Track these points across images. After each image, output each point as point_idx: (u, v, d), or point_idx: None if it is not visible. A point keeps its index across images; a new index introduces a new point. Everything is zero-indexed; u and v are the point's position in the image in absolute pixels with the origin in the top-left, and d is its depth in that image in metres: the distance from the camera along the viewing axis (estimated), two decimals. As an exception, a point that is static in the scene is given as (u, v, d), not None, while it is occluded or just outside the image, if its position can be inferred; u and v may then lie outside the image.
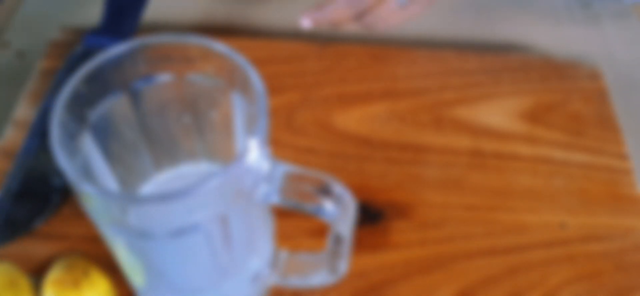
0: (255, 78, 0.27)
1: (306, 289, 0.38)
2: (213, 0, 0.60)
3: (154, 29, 0.56)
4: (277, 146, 0.46)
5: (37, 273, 0.37)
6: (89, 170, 0.29)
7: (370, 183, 0.44)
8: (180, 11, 0.59)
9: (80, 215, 0.32)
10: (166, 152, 0.35)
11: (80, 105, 0.27)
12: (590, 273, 0.40)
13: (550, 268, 0.40)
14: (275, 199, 0.27)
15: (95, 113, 0.29)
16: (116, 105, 0.30)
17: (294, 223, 0.41)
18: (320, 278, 0.34)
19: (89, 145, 0.29)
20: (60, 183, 0.42)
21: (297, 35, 0.58)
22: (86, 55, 0.50)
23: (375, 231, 0.41)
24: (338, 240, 0.30)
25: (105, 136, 0.30)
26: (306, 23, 0.39)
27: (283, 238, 0.41)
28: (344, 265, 0.33)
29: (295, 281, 0.36)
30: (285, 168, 0.27)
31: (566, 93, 0.50)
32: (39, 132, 0.44)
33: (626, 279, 0.40)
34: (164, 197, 0.23)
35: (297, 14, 0.48)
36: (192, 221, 0.25)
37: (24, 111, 0.47)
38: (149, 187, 0.35)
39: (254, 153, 0.25)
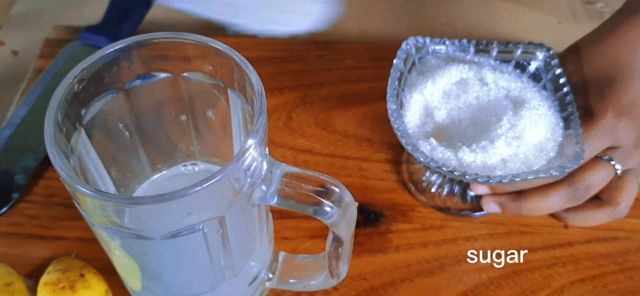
0: (254, 77, 0.26)
1: (306, 292, 0.37)
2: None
3: (153, 28, 0.55)
4: (275, 146, 0.46)
5: (32, 275, 0.37)
6: (84, 170, 0.28)
7: (371, 183, 0.44)
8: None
9: (76, 217, 0.32)
10: (162, 152, 0.34)
11: (75, 104, 0.27)
12: (594, 275, 0.39)
13: (553, 270, 0.40)
14: (274, 200, 0.26)
15: (90, 112, 0.28)
16: (111, 104, 0.29)
17: (293, 225, 0.41)
18: (320, 281, 0.34)
19: (83, 145, 0.28)
20: (23, 180, 0.42)
21: (296, 35, 0.57)
22: (80, 51, 0.49)
23: (375, 233, 0.41)
24: (338, 242, 0.29)
25: (100, 135, 0.29)
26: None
27: (282, 240, 0.40)
28: (344, 268, 0.32)
29: (295, 285, 0.35)
30: (284, 169, 0.26)
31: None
32: (14, 124, 0.45)
33: (630, 280, 0.39)
34: (159, 198, 0.22)
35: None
36: (188, 222, 0.25)
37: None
38: (145, 188, 0.35)
39: (252, 153, 0.24)
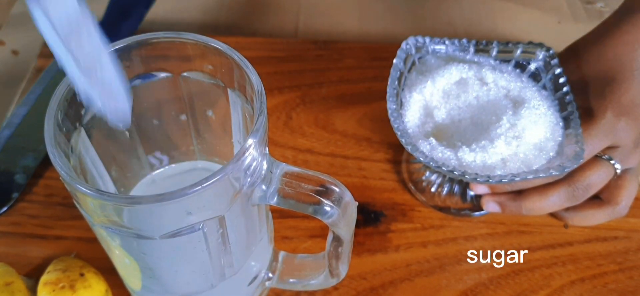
0: (254, 77, 0.26)
1: (306, 292, 0.37)
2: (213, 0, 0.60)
3: (153, 28, 0.55)
4: (275, 146, 0.46)
5: (32, 274, 0.37)
6: (84, 170, 0.28)
7: (371, 183, 0.44)
8: (180, 10, 0.59)
9: (76, 217, 0.32)
10: (162, 152, 0.34)
11: (75, 104, 0.27)
12: (594, 274, 0.39)
13: (553, 269, 0.40)
14: (274, 199, 0.26)
15: (90, 112, 0.28)
16: (111, 104, 0.29)
17: (293, 224, 0.41)
18: (320, 281, 0.34)
19: (83, 144, 0.28)
20: (23, 179, 0.42)
21: (296, 35, 0.57)
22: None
23: (375, 233, 0.41)
24: (338, 242, 0.29)
25: (100, 135, 0.29)
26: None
27: (282, 239, 0.40)
28: (344, 268, 0.32)
29: (295, 284, 0.35)
30: (283, 168, 0.26)
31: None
32: (14, 124, 0.45)
33: (630, 280, 0.39)
34: (159, 198, 0.22)
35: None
36: (188, 222, 0.25)
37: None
38: (144, 187, 0.35)
39: (252, 153, 0.24)
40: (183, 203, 0.23)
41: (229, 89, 0.30)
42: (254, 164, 0.25)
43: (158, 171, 0.35)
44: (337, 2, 0.61)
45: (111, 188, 0.32)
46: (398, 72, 0.40)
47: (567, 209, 0.40)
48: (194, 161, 0.35)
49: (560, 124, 0.38)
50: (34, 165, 0.43)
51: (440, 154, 0.36)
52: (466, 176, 0.35)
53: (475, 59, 0.42)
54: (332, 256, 0.31)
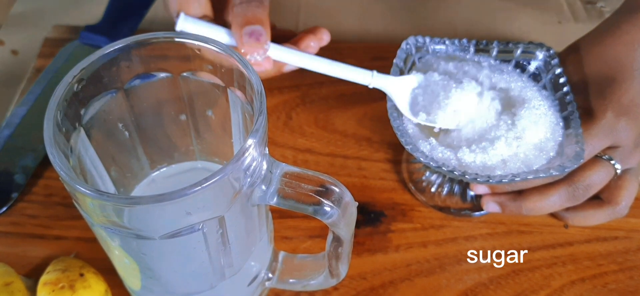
0: (254, 77, 0.26)
1: (306, 292, 0.37)
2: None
3: (153, 28, 0.55)
4: (275, 146, 0.46)
5: (32, 274, 0.37)
6: (83, 170, 0.28)
7: (371, 183, 0.44)
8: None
9: (75, 217, 0.32)
10: (162, 152, 0.34)
11: (74, 104, 0.27)
12: (594, 274, 0.39)
13: (553, 270, 0.39)
14: (274, 200, 0.26)
15: (90, 112, 0.28)
16: (111, 104, 0.29)
17: (293, 225, 0.41)
18: (319, 281, 0.34)
19: (83, 145, 0.28)
20: (22, 179, 0.42)
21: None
22: (80, 50, 0.49)
23: (375, 233, 0.41)
24: (338, 242, 0.29)
25: (99, 135, 0.29)
26: None
27: (282, 239, 0.40)
28: (344, 268, 0.32)
29: (295, 285, 0.35)
30: (283, 168, 0.26)
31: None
32: (13, 124, 0.45)
33: (630, 280, 0.39)
34: (159, 198, 0.22)
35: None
36: (188, 222, 0.25)
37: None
38: (144, 187, 0.35)
39: (252, 153, 0.24)
40: (182, 203, 0.23)
41: (228, 89, 0.30)
42: (254, 164, 0.25)
43: (158, 171, 0.35)
44: (337, 2, 0.61)
45: (111, 188, 0.32)
46: (398, 72, 0.40)
47: (568, 209, 0.40)
48: (194, 161, 0.35)
49: (561, 124, 0.38)
50: (34, 165, 0.43)
51: (440, 155, 0.36)
52: (466, 177, 0.35)
53: (476, 59, 0.41)
54: (332, 257, 0.31)
